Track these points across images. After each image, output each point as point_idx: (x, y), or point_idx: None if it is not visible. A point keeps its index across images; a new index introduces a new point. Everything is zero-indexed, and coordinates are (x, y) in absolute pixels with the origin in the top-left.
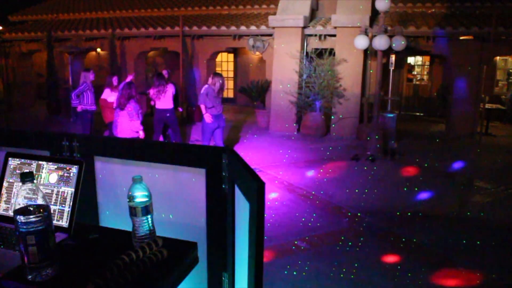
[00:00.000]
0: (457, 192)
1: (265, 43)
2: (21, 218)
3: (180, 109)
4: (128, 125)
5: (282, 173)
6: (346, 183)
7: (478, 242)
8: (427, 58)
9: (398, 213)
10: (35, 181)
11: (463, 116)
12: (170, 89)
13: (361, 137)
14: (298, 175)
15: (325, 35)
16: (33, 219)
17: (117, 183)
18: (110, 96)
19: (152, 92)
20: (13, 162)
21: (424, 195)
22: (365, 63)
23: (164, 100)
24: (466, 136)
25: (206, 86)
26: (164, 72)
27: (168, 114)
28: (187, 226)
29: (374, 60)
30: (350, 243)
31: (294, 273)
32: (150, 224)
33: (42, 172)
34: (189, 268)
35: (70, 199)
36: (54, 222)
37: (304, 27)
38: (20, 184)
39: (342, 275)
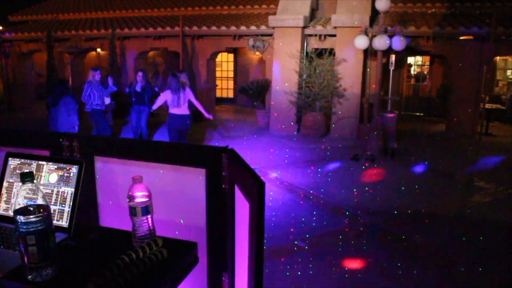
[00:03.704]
0: (457, 192)
1: (265, 43)
2: (21, 218)
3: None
4: (67, 120)
5: (282, 173)
6: (346, 183)
7: (479, 240)
8: (427, 58)
9: (398, 213)
10: (35, 181)
11: (463, 116)
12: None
13: (361, 137)
14: (298, 175)
15: (325, 35)
16: (33, 219)
17: (117, 183)
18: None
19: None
20: (13, 162)
21: (424, 195)
22: (365, 63)
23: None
24: (466, 136)
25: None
26: (140, 74)
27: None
28: (187, 226)
29: (374, 60)
30: (350, 243)
31: (295, 273)
32: (150, 224)
33: (42, 172)
34: (189, 268)
35: (70, 199)
36: (54, 222)
37: (304, 27)
38: (20, 184)
39: (342, 275)
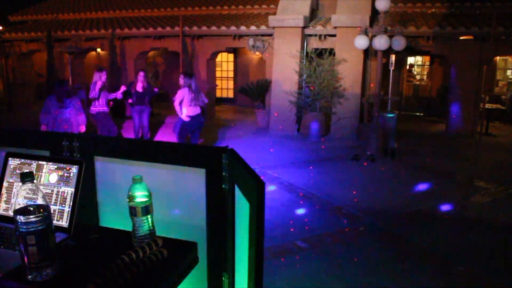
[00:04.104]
0: (457, 192)
1: (265, 43)
2: (21, 218)
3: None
4: (76, 119)
5: (282, 173)
6: (346, 183)
7: (479, 240)
8: (427, 58)
9: (398, 213)
10: (35, 181)
11: (463, 116)
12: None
13: (361, 137)
14: (298, 175)
15: (325, 35)
16: (33, 219)
17: (117, 183)
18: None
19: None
20: (13, 162)
21: (423, 195)
22: (365, 63)
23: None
24: (466, 136)
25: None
26: (141, 74)
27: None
28: (187, 226)
29: (374, 60)
30: (350, 243)
31: (295, 273)
32: (150, 224)
33: (42, 172)
34: (189, 268)
35: (70, 199)
36: (54, 222)
37: (304, 27)
38: (20, 184)
39: (342, 275)
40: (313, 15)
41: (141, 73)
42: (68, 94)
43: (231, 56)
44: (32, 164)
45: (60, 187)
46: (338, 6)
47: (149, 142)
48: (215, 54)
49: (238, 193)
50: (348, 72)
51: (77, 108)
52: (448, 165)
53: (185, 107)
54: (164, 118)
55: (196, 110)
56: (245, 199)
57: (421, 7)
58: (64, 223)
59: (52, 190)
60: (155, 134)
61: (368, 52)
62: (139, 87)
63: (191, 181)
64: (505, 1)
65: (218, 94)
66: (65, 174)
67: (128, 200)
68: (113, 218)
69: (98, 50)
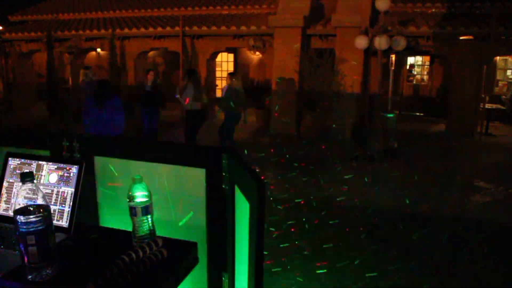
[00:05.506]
0: (457, 192)
1: (265, 43)
2: (21, 218)
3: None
4: (114, 118)
5: (282, 173)
6: (346, 183)
7: (479, 240)
8: (427, 58)
9: (398, 213)
10: (35, 181)
11: (463, 116)
12: None
13: (361, 137)
14: (298, 175)
15: (325, 35)
16: (33, 219)
17: (117, 183)
18: None
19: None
20: (13, 162)
21: (423, 195)
22: (365, 63)
23: None
24: (466, 136)
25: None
26: (151, 73)
27: None
28: (187, 226)
29: (374, 60)
30: (350, 243)
31: (295, 273)
32: (150, 224)
33: (42, 172)
34: (189, 268)
35: (70, 199)
36: (54, 222)
37: (304, 27)
38: (20, 184)
39: (342, 276)
40: (313, 15)
41: (151, 73)
42: (109, 95)
43: (231, 56)
44: (32, 164)
45: (60, 187)
46: (338, 6)
47: (149, 142)
48: (215, 54)
49: (238, 193)
50: (348, 72)
51: (117, 108)
52: (448, 165)
53: (190, 104)
54: (164, 118)
55: (200, 105)
56: (245, 199)
57: (421, 7)
58: (64, 223)
59: (52, 190)
60: (163, 134)
61: (368, 52)
62: (148, 87)
63: (191, 181)
64: (505, 1)
65: (218, 94)
66: (65, 174)
67: (128, 200)
68: (113, 218)
69: (98, 50)
